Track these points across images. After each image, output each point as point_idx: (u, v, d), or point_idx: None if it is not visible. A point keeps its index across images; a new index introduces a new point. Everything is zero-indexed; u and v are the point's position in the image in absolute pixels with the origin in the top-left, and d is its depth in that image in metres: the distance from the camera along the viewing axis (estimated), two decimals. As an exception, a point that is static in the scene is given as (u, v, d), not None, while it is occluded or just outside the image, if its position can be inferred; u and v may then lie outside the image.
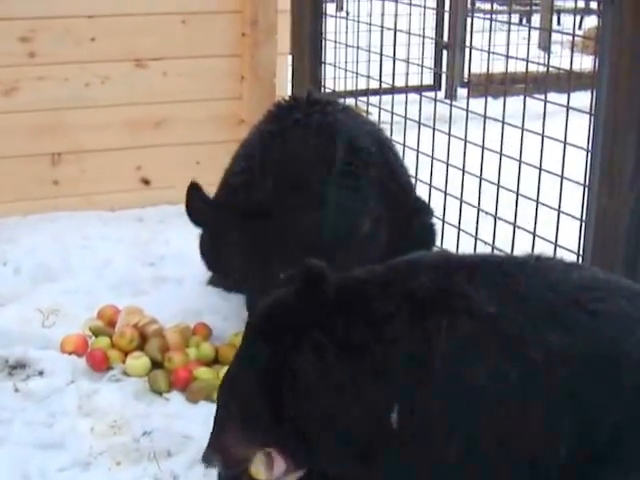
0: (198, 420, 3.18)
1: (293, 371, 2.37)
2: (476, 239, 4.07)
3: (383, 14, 4.80)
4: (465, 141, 4.12)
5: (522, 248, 3.41)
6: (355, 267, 2.61)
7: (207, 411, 3.23)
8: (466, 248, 4.01)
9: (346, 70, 5.16)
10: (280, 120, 3.79)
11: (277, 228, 3.49)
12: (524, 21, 9.46)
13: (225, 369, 3.41)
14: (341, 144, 3.68)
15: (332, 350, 2.36)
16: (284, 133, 3.71)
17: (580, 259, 3.43)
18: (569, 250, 3.54)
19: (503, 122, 3.93)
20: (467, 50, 7.72)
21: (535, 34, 8.86)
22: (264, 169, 3.64)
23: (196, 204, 3.67)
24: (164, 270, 4.35)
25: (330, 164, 3.62)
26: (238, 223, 3.59)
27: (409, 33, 4.63)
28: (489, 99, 4.09)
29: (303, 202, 3.54)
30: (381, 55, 4.79)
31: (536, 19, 9.81)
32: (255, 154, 3.73)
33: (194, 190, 3.66)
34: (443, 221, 4.20)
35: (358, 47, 5.15)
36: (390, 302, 2.40)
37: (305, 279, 2.42)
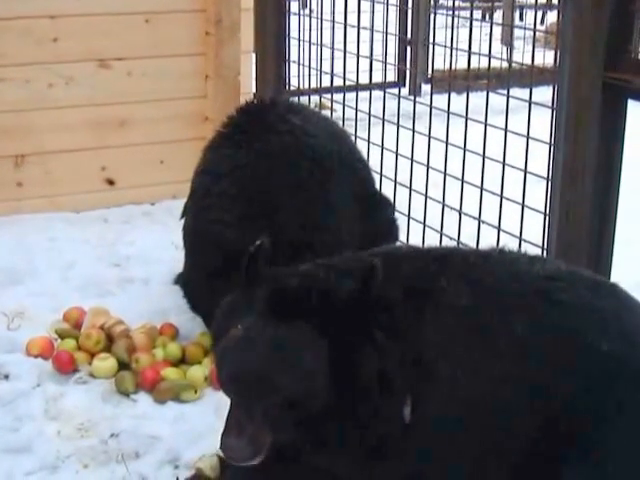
0: (166, 420, 3.18)
1: (358, 368, 2.34)
2: (441, 234, 4.08)
3: (346, 11, 4.80)
4: (429, 137, 4.13)
5: (487, 243, 3.43)
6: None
7: (175, 411, 3.24)
8: (432, 244, 4.01)
9: (310, 67, 5.16)
10: (233, 146, 3.74)
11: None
12: (486, 17, 9.49)
13: (192, 368, 3.45)
14: (302, 158, 3.67)
15: (393, 350, 2.35)
16: (248, 164, 3.66)
17: (545, 252, 3.46)
18: (534, 244, 3.56)
19: (467, 118, 3.95)
20: (430, 46, 7.74)
21: (497, 30, 8.90)
22: (235, 209, 3.61)
23: None
24: (130, 271, 4.33)
25: (294, 181, 3.61)
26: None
27: (372, 30, 4.63)
28: (453, 95, 4.10)
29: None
30: (345, 52, 4.79)
31: (498, 15, 9.85)
32: (220, 189, 3.68)
33: None
34: (409, 217, 4.21)
35: (322, 44, 5.15)
36: (395, 293, 2.41)
37: None
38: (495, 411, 2.37)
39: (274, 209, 3.56)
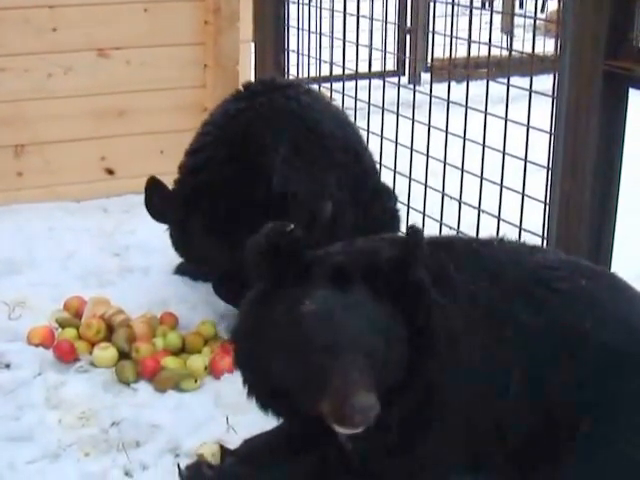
0: (166, 409, 3.18)
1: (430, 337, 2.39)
2: (441, 224, 4.09)
3: (345, 0, 4.79)
4: (429, 126, 4.13)
5: (487, 232, 3.43)
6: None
7: (175, 400, 3.24)
8: (431, 233, 4.02)
9: (309, 56, 5.16)
10: (242, 101, 3.77)
11: (229, 209, 3.48)
12: (486, 5, 9.48)
13: (192, 357, 3.45)
14: (304, 128, 3.67)
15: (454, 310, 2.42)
16: (244, 113, 3.70)
17: (544, 242, 3.46)
18: (533, 233, 3.56)
19: (466, 106, 3.95)
20: (430, 35, 7.73)
21: (498, 18, 8.88)
22: (217, 148, 3.63)
23: (154, 201, 3.67)
24: (130, 260, 4.33)
25: (291, 147, 3.61)
26: (192, 208, 3.58)
27: (372, 19, 4.62)
28: (452, 84, 4.10)
29: (256, 182, 3.53)
30: (344, 41, 4.79)
31: (498, 3, 9.83)
32: (211, 132, 3.72)
33: (152, 186, 3.65)
34: (408, 206, 4.22)
35: (321, 33, 5.14)
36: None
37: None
38: (499, 397, 2.39)
39: (251, 157, 3.59)
